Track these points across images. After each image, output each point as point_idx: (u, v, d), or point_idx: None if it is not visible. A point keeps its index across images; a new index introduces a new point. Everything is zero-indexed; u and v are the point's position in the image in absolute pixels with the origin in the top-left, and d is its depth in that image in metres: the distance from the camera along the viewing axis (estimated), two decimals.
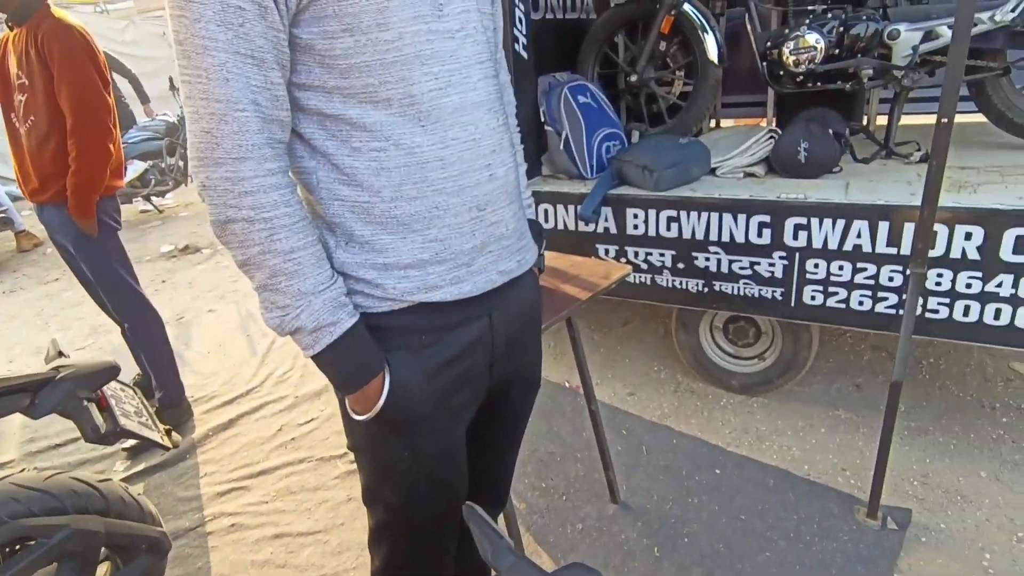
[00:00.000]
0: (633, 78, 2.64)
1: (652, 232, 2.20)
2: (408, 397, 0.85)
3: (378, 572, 1.09)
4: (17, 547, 1.25)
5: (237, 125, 0.68)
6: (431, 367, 0.86)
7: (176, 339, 3.03)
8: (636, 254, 2.26)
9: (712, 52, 2.42)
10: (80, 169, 2.02)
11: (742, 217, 2.01)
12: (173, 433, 2.16)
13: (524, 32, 2.34)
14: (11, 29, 2.05)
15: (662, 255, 2.21)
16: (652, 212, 2.18)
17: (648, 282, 2.27)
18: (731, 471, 1.97)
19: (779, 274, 2.00)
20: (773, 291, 2.03)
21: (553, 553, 1.70)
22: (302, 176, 0.80)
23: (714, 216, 2.06)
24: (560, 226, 2.39)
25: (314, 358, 0.79)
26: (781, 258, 1.98)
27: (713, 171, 2.30)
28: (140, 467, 2.22)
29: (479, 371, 0.93)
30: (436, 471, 0.97)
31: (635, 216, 2.22)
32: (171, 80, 7.82)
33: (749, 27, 2.40)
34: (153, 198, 6.04)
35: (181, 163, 6.06)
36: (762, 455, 2.04)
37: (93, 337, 3.41)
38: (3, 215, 5.07)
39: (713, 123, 3.17)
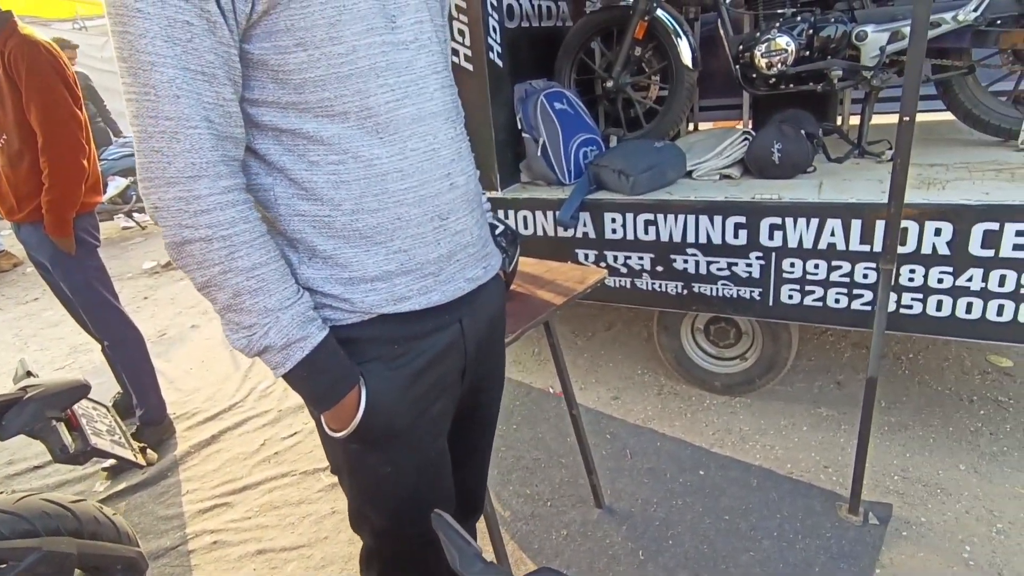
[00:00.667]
0: (609, 84, 2.66)
1: (630, 236, 2.21)
2: (385, 409, 0.84)
3: None
4: None
5: (190, 143, 0.66)
6: (405, 376, 0.85)
7: (158, 356, 3.00)
8: (615, 258, 2.26)
9: (686, 56, 2.45)
10: (54, 186, 2.00)
11: (718, 219, 2.03)
12: (148, 451, 2.14)
13: (499, 40, 2.36)
14: None
15: (641, 258, 2.22)
16: (629, 216, 2.19)
17: (628, 286, 2.28)
18: (715, 472, 1.98)
19: (756, 274, 2.02)
20: (751, 291, 2.05)
21: (538, 560, 1.70)
22: (259, 193, 0.78)
23: (691, 218, 2.08)
24: (539, 232, 2.39)
25: (286, 377, 0.77)
26: (758, 258, 2.00)
27: (689, 174, 2.32)
28: (120, 487, 2.19)
29: (452, 378, 0.92)
30: (420, 487, 0.95)
31: (613, 220, 2.23)
32: None
33: (722, 31, 2.43)
34: (135, 214, 5.99)
35: None
36: (745, 455, 2.04)
37: (73, 357, 3.37)
38: None
39: (691, 126, 3.20)
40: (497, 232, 1.52)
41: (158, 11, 0.62)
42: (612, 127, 2.86)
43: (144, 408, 2.38)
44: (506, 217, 2.43)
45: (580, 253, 2.34)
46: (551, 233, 2.38)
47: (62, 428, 1.19)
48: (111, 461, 2.24)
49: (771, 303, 2.02)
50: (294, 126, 0.73)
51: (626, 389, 2.49)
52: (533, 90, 2.54)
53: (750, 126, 2.87)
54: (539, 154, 2.46)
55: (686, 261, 2.14)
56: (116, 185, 5.50)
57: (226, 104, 0.69)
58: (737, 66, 2.40)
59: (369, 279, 0.80)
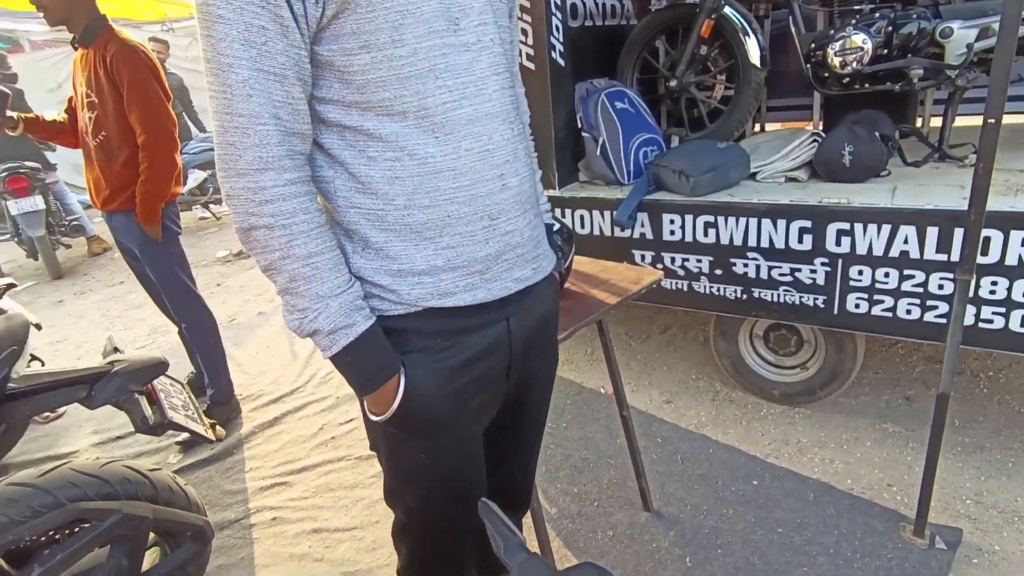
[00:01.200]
0: (673, 83, 2.62)
1: (689, 238, 2.17)
2: (424, 399, 0.87)
3: (402, 570, 1.12)
4: (75, 529, 1.35)
5: (258, 138, 0.71)
6: (447, 369, 0.87)
7: (228, 340, 3.16)
8: (673, 260, 2.23)
9: (754, 55, 2.38)
10: (149, 179, 2.16)
11: (782, 222, 1.96)
12: (218, 427, 2.27)
13: (561, 39, 2.36)
14: (76, 50, 2.20)
15: (699, 261, 2.18)
16: (689, 217, 2.15)
17: (685, 288, 2.24)
18: (769, 483, 1.92)
19: (821, 281, 1.94)
20: (815, 298, 1.97)
21: (582, 559, 1.70)
22: (321, 184, 0.82)
23: (752, 221, 2.02)
24: (596, 232, 2.39)
25: (331, 359, 0.82)
26: (823, 264, 1.92)
27: (753, 176, 2.26)
28: (191, 460, 2.33)
29: (496, 375, 0.93)
30: (454, 475, 0.98)
31: (671, 221, 2.20)
32: None
33: (793, 28, 2.35)
34: (211, 206, 6.33)
35: None
36: (803, 467, 1.98)
37: (152, 337, 3.60)
38: (76, 222, 5.41)
39: (757, 127, 3.11)
40: (554, 230, 1.53)
41: (237, 17, 0.67)
42: (674, 127, 2.81)
43: (215, 388, 2.52)
44: (563, 216, 2.44)
45: (636, 254, 2.32)
46: (608, 233, 2.37)
47: (143, 401, 1.29)
48: (184, 435, 2.40)
49: (836, 311, 1.94)
50: (356, 123, 0.77)
51: (679, 393, 2.45)
52: (594, 89, 2.53)
53: (820, 127, 2.76)
54: (598, 153, 2.45)
55: (746, 265, 2.08)
56: (195, 177, 5.83)
57: (295, 102, 0.74)
58: (809, 65, 2.31)
59: (416, 272, 0.83)
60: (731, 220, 2.07)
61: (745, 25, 2.38)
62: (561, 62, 2.38)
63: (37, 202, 4.84)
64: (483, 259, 0.85)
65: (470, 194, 0.81)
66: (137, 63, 2.12)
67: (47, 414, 2.68)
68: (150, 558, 1.45)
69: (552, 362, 1.10)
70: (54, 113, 2.51)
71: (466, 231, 0.82)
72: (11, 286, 1.70)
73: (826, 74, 2.26)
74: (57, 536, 1.35)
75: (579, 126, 2.51)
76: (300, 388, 2.78)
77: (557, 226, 1.56)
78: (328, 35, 0.73)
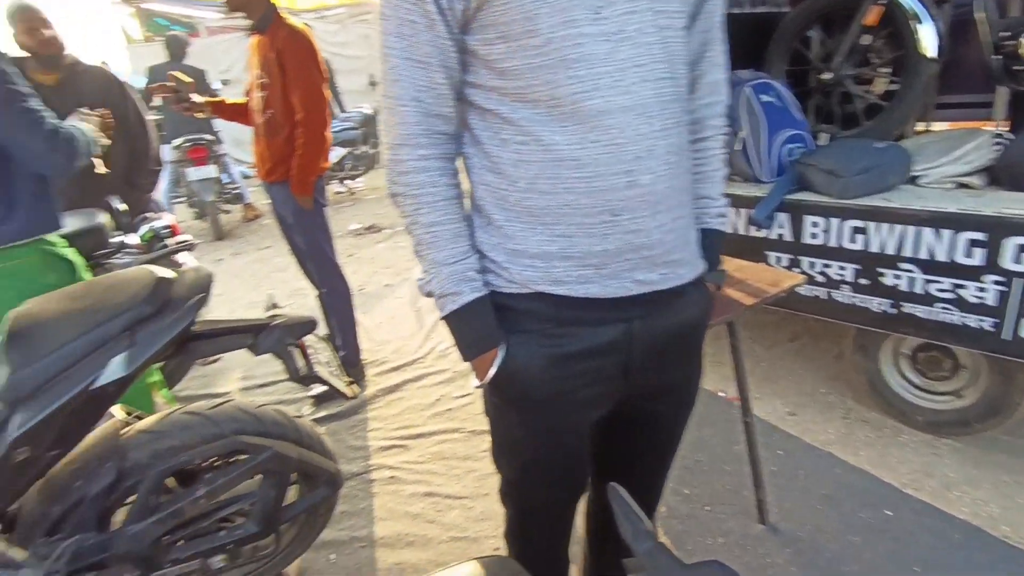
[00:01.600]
0: (827, 76, 2.44)
1: (833, 242, 2.03)
2: (524, 379, 0.90)
3: (506, 533, 1.18)
4: (232, 459, 1.53)
5: (400, 117, 0.82)
6: (553, 356, 0.88)
7: (357, 308, 3.40)
8: (812, 265, 2.09)
9: (928, 45, 2.16)
10: (305, 154, 2.37)
11: (947, 232, 1.78)
12: (354, 385, 2.45)
13: None
14: (251, 37, 2.44)
15: (843, 268, 2.02)
16: (835, 221, 2.01)
17: (824, 296, 2.10)
18: (907, 516, 1.76)
19: (991, 301, 1.74)
20: (981, 320, 1.77)
21: (691, 560, 1.66)
22: (464, 160, 0.90)
23: (910, 229, 1.85)
24: (730, 230, 2.29)
25: (442, 319, 0.90)
26: (995, 283, 1.72)
27: (914, 180, 2.05)
28: (321, 414, 2.55)
29: (611, 374, 0.92)
30: (549, 458, 1.00)
31: (814, 224, 2.06)
32: (371, 77, 8.73)
33: (980, 15, 2.09)
34: (347, 181, 6.80)
35: (373, 151, 6.75)
36: (948, 505, 1.79)
37: (293, 298, 3.95)
38: (236, 190, 6.03)
39: (921, 126, 2.81)
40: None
41: (394, 12, 0.78)
42: (823, 124, 2.62)
43: (345, 350, 2.73)
44: None
45: (771, 256, 2.20)
46: (742, 231, 2.27)
47: (297, 353, 1.42)
48: (318, 389, 2.62)
49: (1009, 337, 1.73)
50: (494, 107, 0.82)
51: (805, 406, 2.30)
52: (738, 80, 2.41)
53: (1007, 127, 2.44)
54: (737, 148, 2.34)
55: (898, 277, 1.91)
56: (335, 154, 6.28)
57: (437, 87, 0.82)
58: (997, 56, 2.05)
59: (529, 255, 0.85)
60: (884, 226, 1.90)
61: (921, 12, 2.15)
62: None
63: (211, 170, 5.46)
64: (599, 254, 0.83)
65: (591, 186, 0.79)
66: (301, 48, 2.31)
67: (213, 358, 3.04)
68: (290, 495, 1.61)
69: (692, 377, 1.04)
70: (230, 94, 2.81)
71: (584, 222, 0.81)
72: (192, 246, 1.94)
73: (1019, 67, 2.00)
74: (217, 463, 1.54)
75: None
76: (420, 359, 2.93)
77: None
78: (475, 26, 0.78)
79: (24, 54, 2.41)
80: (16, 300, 1.28)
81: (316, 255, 2.60)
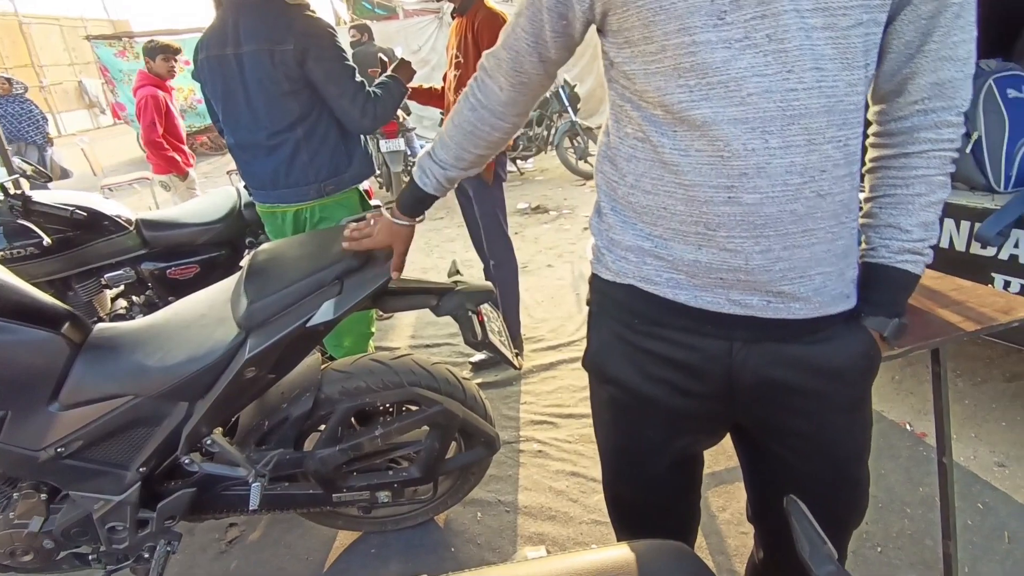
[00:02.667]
0: None
1: None
2: (607, 363, 0.92)
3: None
4: (403, 408, 1.68)
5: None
6: (636, 349, 0.89)
7: (519, 284, 3.52)
8: None
9: None
10: None
11: None
12: (520, 357, 2.55)
13: None
14: (453, 19, 2.59)
15: None
16: None
17: None
18: None
19: None
20: None
21: None
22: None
23: None
24: (944, 244, 2.00)
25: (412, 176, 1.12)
26: None
27: None
28: (479, 381, 2.69)
29: (709, 393, 0.86)
30: (629, 455, 0.98)
31: None
32: None
33: None
34: (518, 161, 7.01)
35: (546, 133, 6.88)
36: None
37: (462, 268, 4.19)
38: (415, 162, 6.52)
39: None
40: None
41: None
42: None
43: (507, 322, 2.84)
44: None
45: (999, 278, 1.88)
46: (961, 247, 1.97)
47: (474, 319, 1.51)
48: (480, 356, 2.78)
49: None
50: (622, 102, 0.83)
51: (1020, 460, 1.96)
52: (980, 72, 2.07)
53: None
54: (969, 151, 2.03)
55: None
56: None
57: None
58: None
59: (624, 247, 0.86)
60: None
61: None
62: None
63: (400, 143, 5.96)
64: (691, 263, 0.80)
65: (688, 195, 0.76)
66: (496, 28, 2.40)
67: (387, 313, 3.35)
68: (451, 450, 1.73)
69: (832, 431, 0.87)
70: (422, 73, 3.00)
71: (680, 229, 0.79)
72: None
73: None
74: (392, 409, 1.70)
75: None
76: (576, 342, 2.96)
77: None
78: (606, 31, 0.80)
79: None
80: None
81: (491, 226, 2.73)
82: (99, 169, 7.38)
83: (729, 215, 0.74)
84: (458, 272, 1.65)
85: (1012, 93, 2.02)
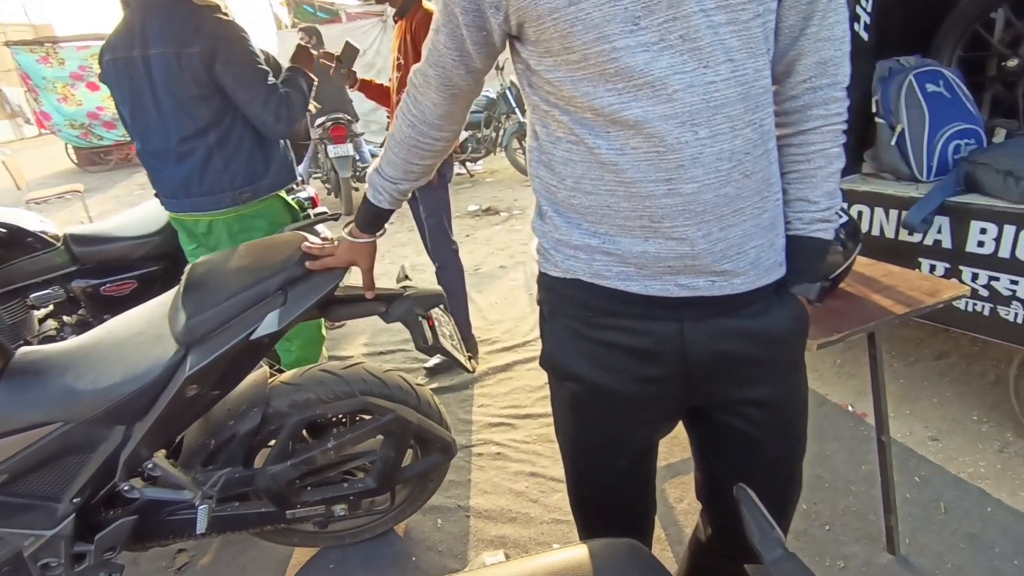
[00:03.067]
0: (1012, 63, 2.16)
1: (1005, 253, 1.79)
2: (565, 359, 0.93)
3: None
4: (357, 418, 1.64)
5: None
6: (592, 341, 0.89)
7: (471, 286, 3.49)
8: (975, 276, 1.87)
9: None
10: None
11: None
12: (473, 360, 2.53)
13: (869, 11, 2.08)
14: (395, 23, 2.56)
15: (1014, 283, 1.79)
16: (1010, 229, 1.77)
17: (986, 313, 1.87)
18: None
19: None
20: None
21: None
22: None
23: None
24: (876, 232, 2.10)
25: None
26: None
27: None
28: (434, 385, 2.66)
29: (665, 376, 0.89)
30: (593, 451, 0.99)
31: (983, 231, 1.83)
32: (497, 62, 8.87)
33: None
34: (468, 163, 6.99)
35: (494, 135, 6.88)
36: None
37: (411, 273, 4.14)
38: (367, 168, 6.42)
39: None
40: (840, 223, 1.38)
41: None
42: (1002, 118, 2.31)
43: (458, 326, 2.83)
44: None
45: (925, 263, 1.99)
46: (890, 235, 2.07)
47: (425, 324, 1.49)
48: (433, 361, 2.75)
49: None
50: (549, 108, 0.83)
51: (951, 433, 2.08)
52: (900, 68, 2.19)
53: None
54: (893, 143, 2.14)
55: None
56: (460, 136, 6.48)
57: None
58: None
59: (572, 246, 0.87)
60: None
61: None
62: (865, 36, 2.11)
63: (349, 149, 5.86)
64: (639, 255, 0.82)
65: (630, 191, 0.78)
66: None
67: (339, 322, 3.28)
68: (407, 458, 1.70)
69: (784, 397, 0.93)
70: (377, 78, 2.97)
71: (624, 224, 0.81)
72: (337, 216, 2.08)
73: None
74: (344, 420, 1.66)
75: (873, 110, 2.20)
76: (531, 342, 2.97)
77: (844, 219, 1.41)
78: (524, 39, 0.81)
79: None
80: (268, 233, 1.55)
81: (436, 229, 2.71)
82: (23, 183, 6.95)
83: (671, 206, 0.77)
84: (407, 277, 1.62)
85: (931, 87, 2.13)
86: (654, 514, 1.14)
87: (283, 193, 2.17)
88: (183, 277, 1.37)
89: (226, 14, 1.94)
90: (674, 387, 0.91)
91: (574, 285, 0.88)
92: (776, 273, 0.87)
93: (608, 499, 1.05)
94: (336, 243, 1.22)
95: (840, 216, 1.02)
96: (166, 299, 1.44)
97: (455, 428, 2.34)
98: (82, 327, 2.57)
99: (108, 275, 2.55)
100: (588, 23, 0.71)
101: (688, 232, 0.78)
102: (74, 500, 1.31)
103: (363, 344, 3.15)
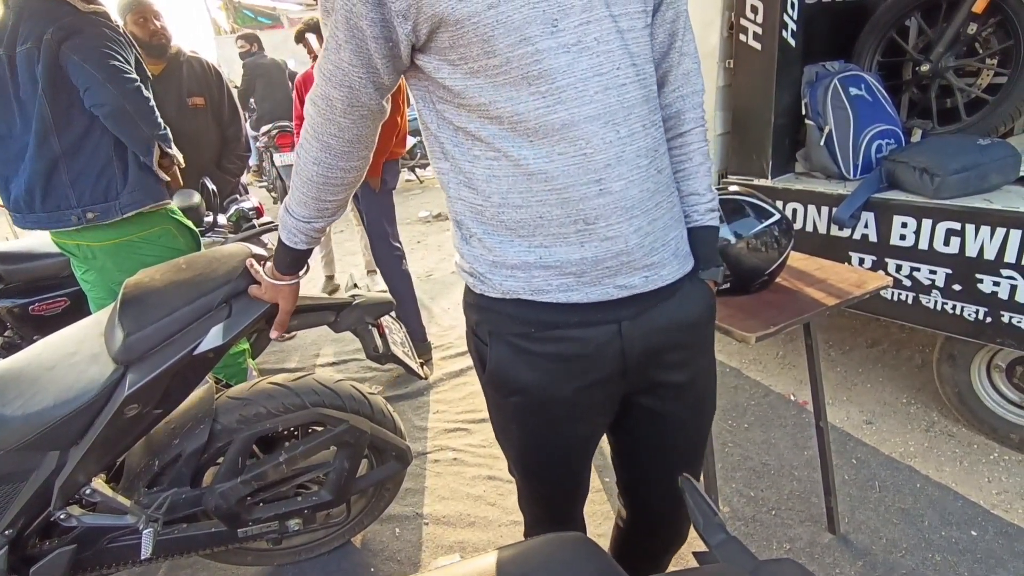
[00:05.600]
0: (925, 67, 2.30)
1: (924, 245, 1.92)
2: (511, 377, 0.91)
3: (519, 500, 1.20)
4: (309, 429, 1.61)
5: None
6: (537, 355, 0.89)
7: (424, 292, 3.49)
8: (899, 268, 1.99)
9: None
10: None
11: None
12: (425, 367, 2.52)
13: (795, 17, 2.19)
14: None
15: (933, 272, 1.91)
16: (927, 222, 1.90)
17: (909, 301, 1.99)
18: (993, 537, 1.66)
19: None
20: None
21: None
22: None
23: (1014, 233, 1.73)
24: (809, 228, 2.21)
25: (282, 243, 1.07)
26: None
27: (1022, 180, 1.91)
28: (389, 394, 2.64)
29: (607, 376, 0.91)
30: (546, 457, 1.01)
31: (903, 225, 1.96)
32: None
33: None
34: (417, 169, 6.95)
35: None
36: None
37: (363, 281, 4.09)
38: None
39: None
40: (771, 221, 1.45)
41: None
42: (917, 119, 2.47)
43: (409, 328, 2.81)
44: None
45: (854, 256, 2.10)
46: (822, 230, 2.18)
47: (375, 332, 1.49)
48: (391, 365, 2.72)
49: None
50: (463, 123, 0.81)
51: (884, 416, 2.20)
52: (826, 73, 2.31)
53: None
54: (822, 144, 2.25)
55: (997, 284, 1.79)
56: (408, 142, 6.43)
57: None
58: None
59: (509, 266, 0.85)
60: (984, 229, 1.79)
61: None
62: (792, 42, 2.21)
63: (295, 156, 5.71)
64: (577, 262, 0.82)
65: (561, 197, 0.79)
66: None
67: (289, 334, 3.20)
68: (362, 468, 1.68)
69: (700, 377, 0.99)
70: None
71: (559, 232, 0.81)
72: (276, 227, 2.04)
73: None
74: (296, 432, 1.63)
75: (803, 113, 2.32)
76: None
77: (776, 216, 1.48)
78: (434, 48, 0.77)
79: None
80: (157, 261, 1.44)
81: (378, 237, 2.70)
82: None
83: (604, 205, 0.80)
84: (355, 286, 1.61)
85: (854, 91, 2.26)
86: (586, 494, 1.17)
87: (177, 214, 1.98)
88: (120, 292, 1.32)
89: (99, 7, 1.77)
90: (615, 385, 0.93)
91: (514, 304, 0.87)
92: (690, 261, 0.93)
93: (557, 493, 1.08)
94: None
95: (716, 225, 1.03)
96: (101, 316, 1.38)
97: (411, 435, 2.33)
98: (9, 349, 2.43)
99: (36, 294, 2.42)
100: (509, 26, 0.72)
101: (622, 229, 0.81)
102: (6, 532, 1.24)
103: (314, 355, 3.09)
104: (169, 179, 1.93)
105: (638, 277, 0.85)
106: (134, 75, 1.78)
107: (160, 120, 1.85)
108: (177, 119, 2.64)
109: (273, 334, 1.23)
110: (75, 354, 1.30)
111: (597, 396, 0.93)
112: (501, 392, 0.96)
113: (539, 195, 0.79)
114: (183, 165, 1.99)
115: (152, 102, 1.82)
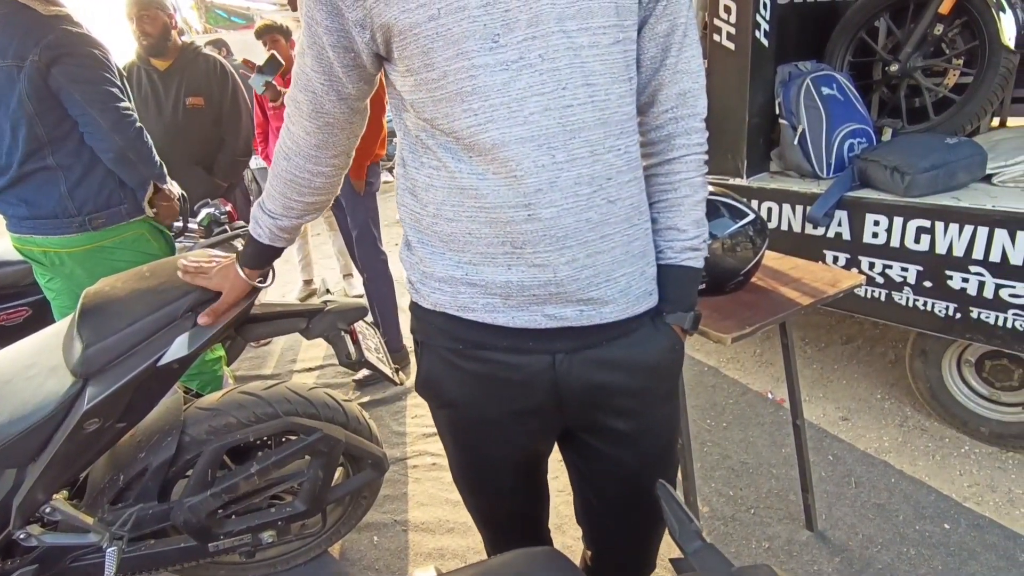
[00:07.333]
0: (894, 67, 2.33)
1: (895, 243, 1.94)
2: (439, 388, 0.91)
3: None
4: (283, 439, 1.58)
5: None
6: (465, 372, 0.87)
7: (403, 296, 3.45)
8: (872, 265, 2.01)
9: (1008, 34, 2.03)
10: (361, 139, 2.42)
11: (1022, 235, 1.68)
12: (400, 372, 2.49)
13: (767, 18, 2.20)
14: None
15: (905, 270, 1.94)
16: (898, 220, 1.92)
17: (883, 298, 2.02)
18: (965, 530, 1.69)
19: None
20: None
21: (736, 564, 1.63)
22: (397, 180, 0.88)
23: (982, 231, 1.76)
24: (784, 227, 2.22)
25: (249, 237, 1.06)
26: None
27: (988, 178, 1.95)
28: (365, 399, 2.60)
29: (538, 407, 0.88)
30: (477, 471, 1.00)
31: (876, 223, 1.98)
32: None
33: None
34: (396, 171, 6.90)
35: None
36: (1013, 522, 1.70)
37: (341, 284, 4.04)
38: None
39: (996, 121, 2.66)
40: (746, 221, 1.45)
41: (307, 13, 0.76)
42: (887, 118, 2.51)
43: (388, 336, 2.78)
44: None
45: (828, 255, 2.12)
46: (797, 229, 2.20)
47: (348, 339, 1.45)
48: (361, 374, 2.68)
49: None
50: (418, 132, 0.80)
51: (859, 412, 2.22)
52: (799, 73, 2.33)
53: None
54: (796, 143, 2.27)
55: (966, 280, 1.82)
56: (392, 145, 6.39)
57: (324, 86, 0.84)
58: None
59: (437, 279, 0.84)
60: (953, 227, 1.81)
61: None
62: (765, 42, 2.22)
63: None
64: (503, 284, 0.79)
65: (491, 217, 0.76)
66: None
67: (264, 340, 3.14)
68: (337, 477, 1.65)
69: (656, 425, 0.92)
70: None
71: (487, 252, 0.78)
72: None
73: None
74: (269, 441, 1.59)
75: (777, 112, 2.34)
76: None
77: (751, 216, 1.48)
78: (392, 58, 0.77)
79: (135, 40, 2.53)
80: (130, 267, 1.40)
81: (364, 239, 2.66)
82: None
83: (532, 231, 0.75)
84: (328, 291, 1.58)
85: (826, 91, 2.28)
86: (548, 505, 1.15)
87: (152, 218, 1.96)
88: (79, 302, 1.27)
89: (77, 24, 1.74)
90: (551, 416, 0.89)
91: (443, 318, 0.85)
92: (648, 302, 0.86)
93: (502, 513, 1.07)
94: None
95: (708, 243, 0.96)
96: (60, 327, 1.33)
97: (388, 441, 2.30)
98: None
99: None
100: (448, 38, 0.69)
101: (550, 258, 0.76)
102: None
103: (289, 362, 3.04)
104: (155, 212, 1.93)
105: (571, 310, 0.80)
106: (132, 111, 1.79)
107: (157, 159, 1.87)
108: (172, 118, 2.58)
109: (201, 319, 1.19)
110: (32, 367, 1.25)
111: (531, 424, 0.90)
112: (433, 402, 0.96)
113: (470, 211, 0.77)
114: (179, 198, 2.00)
115: (150, 142, 1.84)
